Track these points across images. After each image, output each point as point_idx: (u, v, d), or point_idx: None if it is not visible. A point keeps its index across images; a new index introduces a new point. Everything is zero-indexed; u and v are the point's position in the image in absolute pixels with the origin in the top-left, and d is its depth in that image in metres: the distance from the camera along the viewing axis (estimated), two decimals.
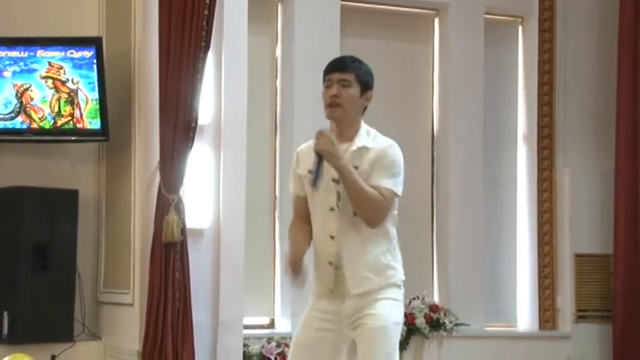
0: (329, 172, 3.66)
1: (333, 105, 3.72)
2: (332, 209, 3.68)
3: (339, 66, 3.80)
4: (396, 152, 3.77)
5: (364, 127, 3.82)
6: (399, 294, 3.72)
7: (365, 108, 3.84)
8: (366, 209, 3.62)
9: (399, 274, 3.73)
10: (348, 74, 3.75)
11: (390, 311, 3.66)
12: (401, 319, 3.73)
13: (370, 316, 3.62)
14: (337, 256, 3.66)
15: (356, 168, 3.66)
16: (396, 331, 3.67)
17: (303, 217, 3.83)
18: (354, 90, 3.74)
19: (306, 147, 3.86)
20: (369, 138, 3.77)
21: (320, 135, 3.64)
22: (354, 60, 3.84)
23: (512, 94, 8.27)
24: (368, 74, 3.84)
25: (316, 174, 3.61)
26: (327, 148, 3.59)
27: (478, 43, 7.93)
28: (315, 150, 3.63)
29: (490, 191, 8.02)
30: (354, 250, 3.65)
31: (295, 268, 3.68)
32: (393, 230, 3.76)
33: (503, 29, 8.28)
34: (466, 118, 7.86)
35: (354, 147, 3.71)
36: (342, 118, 3.72)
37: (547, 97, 8.19)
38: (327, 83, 3.77)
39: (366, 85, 3.79)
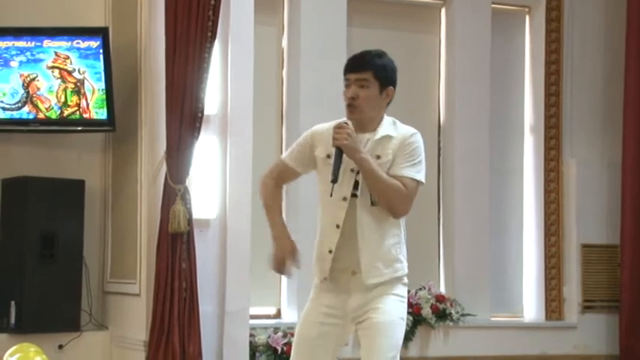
0: (346, 163, 3.64)
1: (351, 106, 3.68)
2: (345, 199, 3.66)
3: (356, 65, 3.72)
4: (418, 140, 3.77)
5: (387, 118, 3.78)
6: (404, 291, 3.73)
7: (389, 102, 3.78)
8: (389, 200, 3.61)
9: (404, 267, 3.73)
10: (365, 73, 3.68)
11: (395, 307, 3.66)
12: (405, 315, 3.74)
13: (376, 311, 3.62)
14: (338, 245, 3.65)
15: (378, 157, 3.65)
16: (401, 327, 3.67)
17: (280, 181, 3.85)
18: (373, 89, 3.68)
19: (324, 129, 3.79)
20: (392, 128, 3.75)
21: (339, 128, 3.62)
22: (373, 56, 3.77)
23: (519, 84, 8.25)
24: (387, 70, 3.76)
25: (337, 168, 3.58)
26: (347, 142, 3.57)
27: (485, 33, 7.92)
28: (335, 145, 3.60)
29: (496, 181, 8.01)
30: (371, 240, 3.64)
31: (280, 269, 3.73)
32: (403, 223, 3.76)
33: (510, 19, 8.26)
34: (472, 108, 7.85)
35: (377, 136, 3.69)
36: (361, 118, 3.69)
37: (554, 87, 8.17)
38: (346, 83, 3.72)
39: (385, 82, 3.71)
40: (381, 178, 3.59)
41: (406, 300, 3.74)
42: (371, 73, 3.70)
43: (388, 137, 3.70)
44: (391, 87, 3.75)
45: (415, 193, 3.69)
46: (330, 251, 3.68)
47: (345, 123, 3.66)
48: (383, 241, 3.67)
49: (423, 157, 3.74)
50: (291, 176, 3.86)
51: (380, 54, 3.81)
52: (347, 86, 3.72)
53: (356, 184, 3.67)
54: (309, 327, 3.72)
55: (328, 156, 3.71)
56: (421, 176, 3.72)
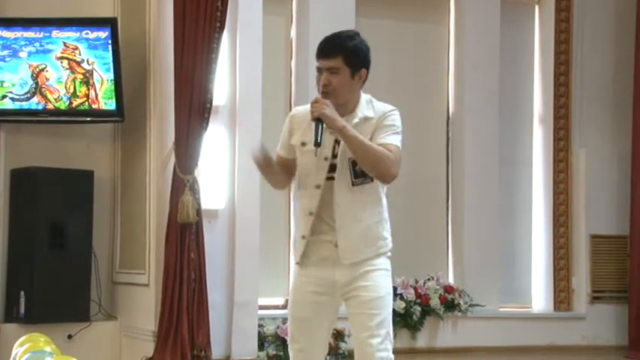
0: (322, 152, 3.64)
1: (325, 94, 3.66)
2: (318, 187, 3.66)
3: (324, 52, 3.68)
4: (397, 115, 3.75)
5: (364, 97, 3.76)
6: (388, 264, 3.74)
7: (364, 82, 3.74)
8: (376, 164, 3.59)
9: (388, 244, 3.74)
10: (334, 60, 3.64)
11: (382, 282, 3.69)
12: (391, 288, 3.77)
13: (364, 288, 3.64)
14: (313, 229, 3.66)
15: None
16: (390, 301, 3.71)
17: (286, 172, 3.84)
18: (343, 75, 3.64)
19: (301, 112, 3.82)
20: (369, 107, 3.74)
21: (315, 101, 3.62)
22: (343, 39, 3.69)
23: (528, 75, 8.23)
24: (359, 53, 3.68)
25: (319, 137, 3.57)
26: (324, 112, 3.56)
27: (494, 24, 7.89)
28: (314, 118, 3.59)
29: (505, 172, 8.00)
30: (349, 221, 3.64)
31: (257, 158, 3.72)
32: (384, 199, 3.76)
33: (519, 9, 8.23)
34: (482, 98, 7.83)
35: (356, 119, 3.68)
36: (337, 103, 3.68)
37: (563, 77, 8.15)
38: (318, 69, 3.71)
39: (356, 65, 3.66)
40: (364, 143, 3.58)
41: (390, 271, 3.76)
42: (341, 59, 3.65)
43: (367, 119, 3.70)
44: (364, 69, 3.70)
45: (400, 159, 3.67)
46: (304, 237, 3.71)
47: (318, 98, 3.65)
48: (364, 220, 3.67)
49: (400, 130, 3.73)
50: (290, 164, 3.85)
51: (351, 36, 3.74)
52: (319, 72, 3.71)
53: (333, 167, 3.67)
54: (302, 308, 3.75)
55: (303, 143, 3.72)
56: (401, 145, 3.71)
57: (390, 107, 3.77)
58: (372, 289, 3.66)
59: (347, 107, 3.71)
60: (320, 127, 3.59)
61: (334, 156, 3.68)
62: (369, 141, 3.62)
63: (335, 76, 3.65)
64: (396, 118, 3.73)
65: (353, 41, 3.71)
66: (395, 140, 3.67)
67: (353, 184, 3.67)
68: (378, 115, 3.72)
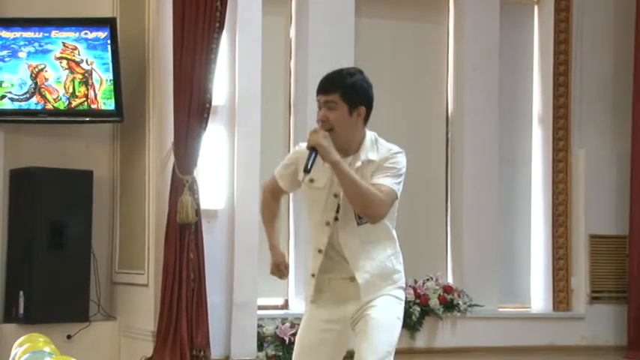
0: (328, 188, 3.62)
1: (324, 129, 3.62)
2: (327, 223, 3.65)
3: (323, 87, 3.64)
4: (401, 158, 3.68)
5: (369, 136, 3.69)
6: (401, 294, 3.72)
7: (366, 121, 3.68)
8: (364, 203, 3.54)
9: (402, 277, 3.74)
10: (332, 95, 3.60)
11: (392, 306, 3.66)
12: (402, 316, 3.73)
13: (372, 308, 3.61)
14: (323, 268, 3.66)
15: None
16: (397, 326, 3.66)
17: (275, 195, 3.87)
18: (341, 111, 3.59)
19: (304, 148, 3.73)
20: (373, 148, 3.67)
21: (313, 131, 3.59)
22: (343, 76, 3.64)
23: (527, 75, 8.23)
24: (357, 90, 3.63)
25: (309, 164, 3.54)
26: (320, 142, 3.54)
27: (494, 24, 7.89)
28: (309, 146, 3.57)
29: (505, 172, 8.00)
30: (362, 260, 3.63)
31: (276, 273, 3.79)
32: (394, 232, 3.74)
33: (519, 9, 8.23)
34: (481, 98, 7.83)
35: (359, 162, 3.63)
36: (339, 142, 3.65)
37: (563, 77, 8.15)
38: (318, 104, 3.68)
39: (354, 102, 3.60)
40: (355, 181, 3.54)
41: (403, 303, 3.73)
42: (338, 95, 3.60)
43: (369, 162, 3.66)
44: (362, 107, 3.64)
45: (392, 201, 3.62)
46: (313, 275, 3.70)
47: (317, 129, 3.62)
48: (376, 257, 3.65)
49: (403, 173, 3.67)
50: (283, 192, 3.86)
51: (352, 73, 3.68)
52: (319, 107, 3.68)
53: (338, 208, 3.65)
54: (309, 334, 3.72)
55: (312, 180, 3.68)
56: (398, 189, 3.65)
57: (395, 149, 3.70)
58: (380, 310, 3.62)
59: (350, 147, 3.65)
60: (313, 155, 3.55)
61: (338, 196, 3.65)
62: (360, 179, 3.56)
63: (332, 112, 3.61)
64: (399, 161, 3.66)
65: (352, 78, 3.65)
66: (389, 182, 3.61)
67: (358, 224, 3.65)
68: (381, 157, 3.65)
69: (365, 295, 3.62)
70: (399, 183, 3.65)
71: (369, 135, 3.70)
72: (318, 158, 3.57)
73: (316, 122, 3.66)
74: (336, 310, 3.68)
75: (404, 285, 3.75)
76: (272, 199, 3.89)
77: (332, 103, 3.61)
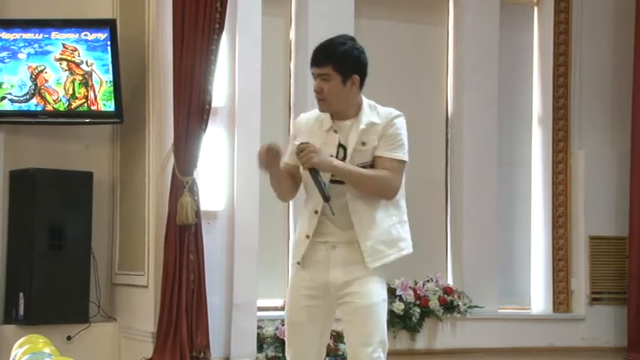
0: (328, 151, 3.65)
1: (319, 100, 3.70)
2: (316, 212, 3.68)
3: (315, 60, 3.69)
4: (401, 122, 3.76)
5: (365, 102, 3.76)
6: (381, 273, 3.73)
7: (361, 86, 3.73)
8: (375, 190, 3.64)
9: (409, 246, 3.75)
10: (324, 67, 3.65)
11: (376, 289, 3.69)
12: (386, 294, 3.77)
13: (358, 295, 3.64)
14: (317, 230, 3.67)
15: (364, 144, 3.66)
16: (384, 308, 3.70)
17: (295, 180, 3.84)
18: (335, 82, 3.64)
19: (303, 121, 3.83)
20: (373, 112, 3.73)
21: (300, 150, 3.60)
22: (335, 46, 3.69)
23: (527, 76, 8.23)
24: (349, 59, 3.68)
25: (323, 186, 3.58)
26: (313, 161, 3.57)
27: (493, 25, 7.89)
28: (306, 168, 3.60)
29: (504, 173, 8.00)
30: (368, 225, 3.65)
31: (261, 160, 3.70)
32: (402, 201, 3.76)
33: (518, 10, 8.23)
34: (481, 99, 7.83)
35: (362, 125, 3.68)
36: (332, 110, 3.69)
37: (562, 78, 8.15)
38: (312, 76, 3.74)
39: (347, 72, 3.65)
40: (359, 175, 3.61)
41: (385, 281, 3.75)
42: (330, 66, 3.66)
43: (373, 124, 3.70)
44: (355, 75, 3.69)
45: (401, 173, 3.70)
46: (307, 236, 3.70)
47: (302, 143, 3.63)
48: (381, 224, 3.68)
49: (405, 138, 3.74)
50: (297, 174, 3.85)
51: (343, 42, 3.73)
52: (314, 78, 3.72)
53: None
54: (297, 313, 3.76)
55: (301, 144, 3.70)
56: (405, 157, 3.72)
57: (395, 112, 3.76)
58: (366, 295, 3.65)
59: (348, 112, 3.72)
60: (319, 178, 3.59)
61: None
62: (361, 169, 3.62)
63: (326, 83, 3.67)
64: (401, 126, 3.74)
65: (343, 47, 3.70)
66: (398, 154, 3.69)
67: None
68: (383, 120, 3.71)
69: (369, 261, 3.64)
70: (405, 149, 3.73)
71: (366, 101, 3.77)
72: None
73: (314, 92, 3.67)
74: (316, 277, 3.70)
75: (410, 251, 3.74)
76: (293, 184, 3.85)
77: (325, 75, 3.67)
